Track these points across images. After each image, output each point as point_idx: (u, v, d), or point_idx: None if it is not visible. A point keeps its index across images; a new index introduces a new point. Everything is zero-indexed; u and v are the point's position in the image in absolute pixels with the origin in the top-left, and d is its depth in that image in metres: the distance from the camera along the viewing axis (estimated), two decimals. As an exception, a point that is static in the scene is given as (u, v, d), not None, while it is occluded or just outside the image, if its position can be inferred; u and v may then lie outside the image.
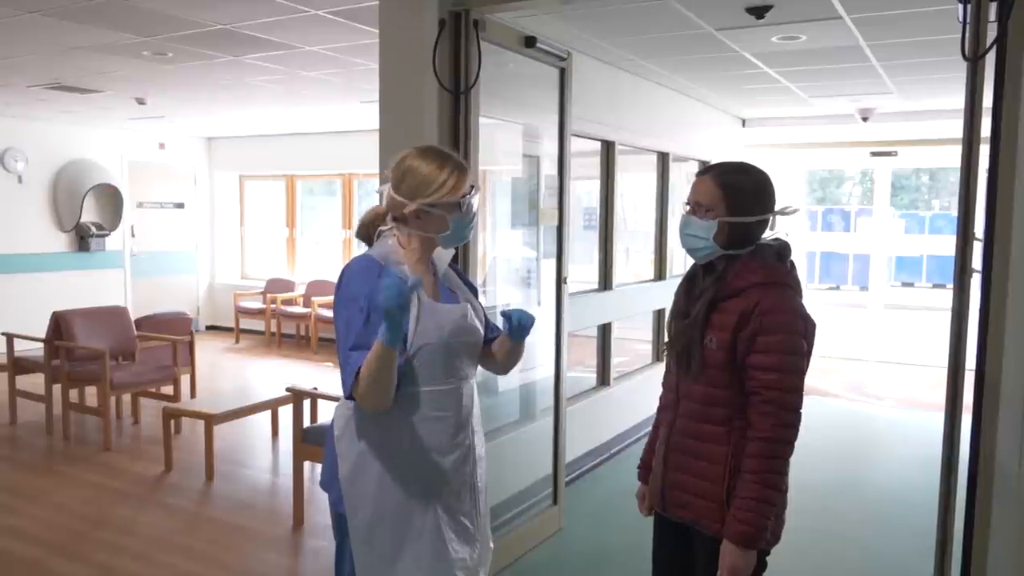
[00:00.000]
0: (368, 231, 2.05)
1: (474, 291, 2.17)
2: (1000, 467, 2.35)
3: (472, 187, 2.00)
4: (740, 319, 1.89)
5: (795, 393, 1.88)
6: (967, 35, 2.34)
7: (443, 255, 2.08)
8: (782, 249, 2.02)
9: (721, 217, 1.94)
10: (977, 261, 2.42)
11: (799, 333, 1.90)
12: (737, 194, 1.95)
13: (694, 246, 2.00)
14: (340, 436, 1.99)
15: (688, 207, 2.01)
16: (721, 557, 1.90)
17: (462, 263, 3.22)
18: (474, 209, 2.01)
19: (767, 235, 2.01)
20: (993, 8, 2.30)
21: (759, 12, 3.68)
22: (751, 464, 1.87)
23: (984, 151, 2.39)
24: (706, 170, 2.03)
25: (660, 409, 2.17)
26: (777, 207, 2.00)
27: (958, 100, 6.80)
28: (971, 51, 2.34)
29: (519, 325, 2.02)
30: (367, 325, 1.85)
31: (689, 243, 2.01)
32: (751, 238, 1.98)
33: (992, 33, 2.31)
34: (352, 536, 1.96)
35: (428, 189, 1.93)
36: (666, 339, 2.14)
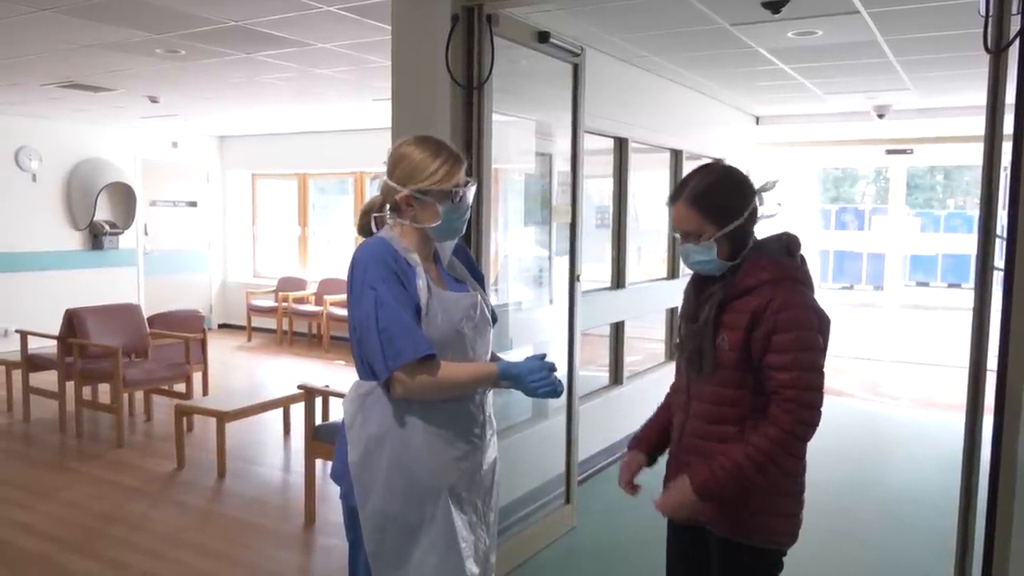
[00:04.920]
0: (365, 220, 2.04)
1: (480, 279, 2.15)
2: (1023, 469, 2.31)
3: (467, 180, 1.98)
4: (752, 318, 1.86)
5: (815, 391, 1.84)
6: (989, 27, 2.29)
7: (445, 244, 2.07)
8: (790, 243, 1.98)
9: (715, 235, 1.90)
10: (999, 259, 2.38)
11: (814, 329, 1.86)
12: (717, 206, 1.90)
13: (702, 269, 1.97)
14: (351, 424, 1.97)
15: (678, 236, 1.96)
16: (672, 489, 1.91)
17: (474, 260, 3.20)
18: (468, 201, 1.99)
19: (760, 211, 1.95)
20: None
21: (775, 7, 3.64)
22: (758, 442, 1.82)
23: (1006, 147, 2.34)
24: (675, 195, 1.96)
25: (669, 398, 2.15)
26: (756, 185, 1.96)
27: (976, 96, 6.75)
28: (993, 43, 2.29)
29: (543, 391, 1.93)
30: (412, 309, 1.86)
31: (698, 268, 1.98)
32: (750, 233, 1.95)
33: (1015, 26, 2.26)
34: (363, 524, 1.94)
35: (420, 175, 1.92)
36: (676, 340, 2.10)
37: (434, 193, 1.93)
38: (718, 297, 1.92)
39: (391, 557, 1.95)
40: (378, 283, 1.85)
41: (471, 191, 1.99)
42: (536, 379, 1.90)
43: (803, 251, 2.01)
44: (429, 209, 1.94)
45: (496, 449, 2.13)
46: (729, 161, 6.70)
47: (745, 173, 1.98)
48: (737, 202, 1.91)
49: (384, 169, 2.00)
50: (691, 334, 1.97)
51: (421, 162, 1.93)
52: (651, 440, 2.17)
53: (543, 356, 1.97)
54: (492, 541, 2.11)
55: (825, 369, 1.90)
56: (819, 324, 1.89)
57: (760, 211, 1.95)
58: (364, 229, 2.05)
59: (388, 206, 1.99)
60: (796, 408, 1.81)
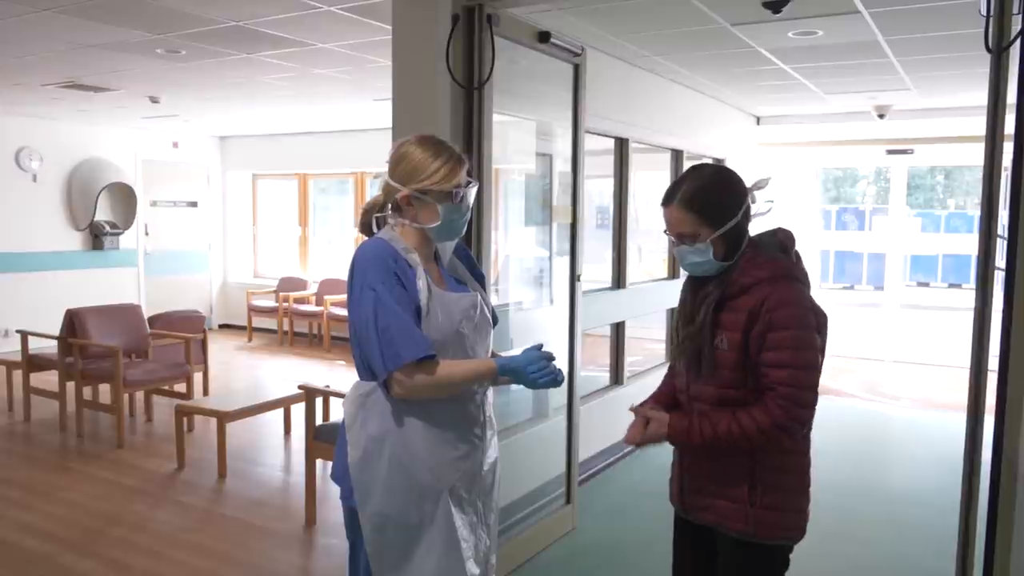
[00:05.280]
0: (366, 219, 2.04)
1: (481, 279, 2.15)
2: (1024, 469, 2.30)
3: (468, 181, 1.98)
4: (749, 317, 1.85)
5: (809, 390, 1.84)
6: (991, 27, 2.29)
7: (447, 244, 2.06)
8: (785, 239, 1.97)
9: (710, 237, 1.90)
10: (1000, 259, 2.37)
11: (811, 327, 1.86)
12: (711, 207, 1.90)
13: (698, 271, 1.97)
14: (350, 425, 1.97)
15: (672, 238, 1.96)
16: (659, 422, 1.94)
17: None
18: (468, 202, 1.99)
19: (752, 210, 1.94)
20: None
21: (776, 6, 3.63)
22: (745, 423, 1.83)
23: (1007, 147, 2.34)
24: (667, 198, 1.95)
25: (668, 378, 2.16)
26: (748, 184, 1.96)
27: (977, 97, 6.73)
28: (995, 43, 2.29)
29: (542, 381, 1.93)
30: (411, 310, 1.86)
31: (694, 270, 1.98)
32: (745, 232, 1.95)
33: (1017, 25, 2.26)
34: (363, 525, 1.94)
35: (420, 175, 1.92)
36: (673, 341, 2.09)
37: (434, 193, 1.93)
38: (714, 297, 1.92)
39: (391, 558, 1.95)
40: (378, 284, 1.85)
41: (472, 192, 1.99)
42: (535, 370, 1.90)
43: (798, 247, 2.00)
44: (429, 209, 1.94)
45: (497, 449, 2.13)
46: (730, 161, 6.70)
47: (736, 172, 1.98)
48: (730, 202, 1.91)
49: (386, 168, 2.00)
50: (689, 336, 1.97)
51: (422, 162, 1.93)
52: (661, 400, 2.12)
53: (540, 346, 1.96)
54: (493, 542, 2.11)
55: (823, 368, 1.90)
56: (816, 322, 1.88)
57: (752, 209, 1.94)
58: (365, 228, 2.04)
59: (389, 205, 1.99)
60: (790, 406, 1.81)
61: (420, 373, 1.84)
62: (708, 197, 1.91)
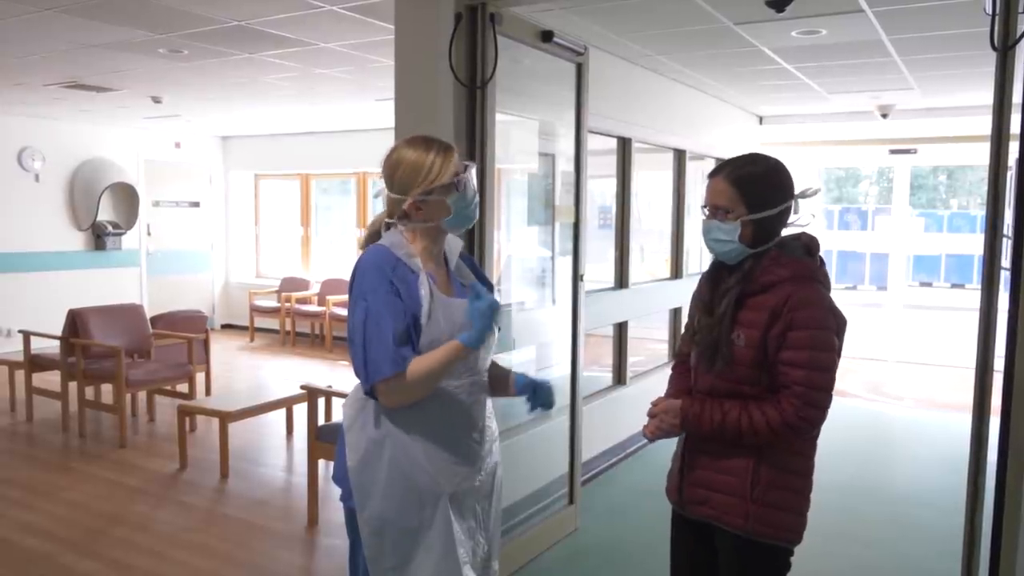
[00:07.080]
0: (374, 237, 2.02)
1: (489, 287, 2.14)
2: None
3: (465, 165, 1.97)
4: (771, 316, 1.85)
5: (823, 392, 1.84)
6: (996, 25, 2.28)
7: (453, 247, 2.05)
8: (811, 243, 1.97)
9: (742, 217, 1.90)
10: (1005, 259, 2.37)
11: (831, 329, 1.86)
12: (753, 190, 1.90)
13: (721, 250, 1.96)
14: (350, 427, 1.97)
15: (706, 211, 1.96)
16: (672, 407, 1.97)
17: (478, 260, 3.19)
18: (473, 186, 1.98)
19: (792, 218, 1.96)
20: (1024, -2, 2.24)
21: (779, 5, 3.62)
22: (756, 418, 1.84)
23: (1012, 146, 2.33)
24: (717, 169, 1.97)
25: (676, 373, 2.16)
26: (796, 190, 1.95)
27: (980, 96, 6.70)
28: (1000, 41, 2.28)
29: (539, 402, 2.02)
30: (403, 319, 1.84)
31: (715, 248, 1.97)
32: (776, 230, 1.94)
33: (1023, 24, 2.25)
34: (361, 528, 1.94)
35: (419, 177, 1.92)
36: (687, 329, 2.09)
37: (438, 189, 1.92)
38: (735, 292, 1.92)
39: (388, 561, 1.94)
40: (370, 294, 1.85)
41: (472, 175, 1.99)
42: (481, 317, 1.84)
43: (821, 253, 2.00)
44: (438, 206, 1.94)
45: (498, 454, 2.11)
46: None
47: (790, 174, 1.97)
48: (773, 194, 1.92)
49: (382, 181, 1.99)
50: (707, 327, 1.96)
51: (416, 162, 1.92)
52: (678, 397, 2.08)
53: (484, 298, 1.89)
54: (494, 547, 2.09)
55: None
56: (836, 325, 1.88)
57: (793, 217, 1.95)
58: (372, 240, 2.03)
59: (396, 216, 1.97)
60: (802, 405, 1.82)
61: (399, 381, 1.84)
62: (754, 180, 1.92)
